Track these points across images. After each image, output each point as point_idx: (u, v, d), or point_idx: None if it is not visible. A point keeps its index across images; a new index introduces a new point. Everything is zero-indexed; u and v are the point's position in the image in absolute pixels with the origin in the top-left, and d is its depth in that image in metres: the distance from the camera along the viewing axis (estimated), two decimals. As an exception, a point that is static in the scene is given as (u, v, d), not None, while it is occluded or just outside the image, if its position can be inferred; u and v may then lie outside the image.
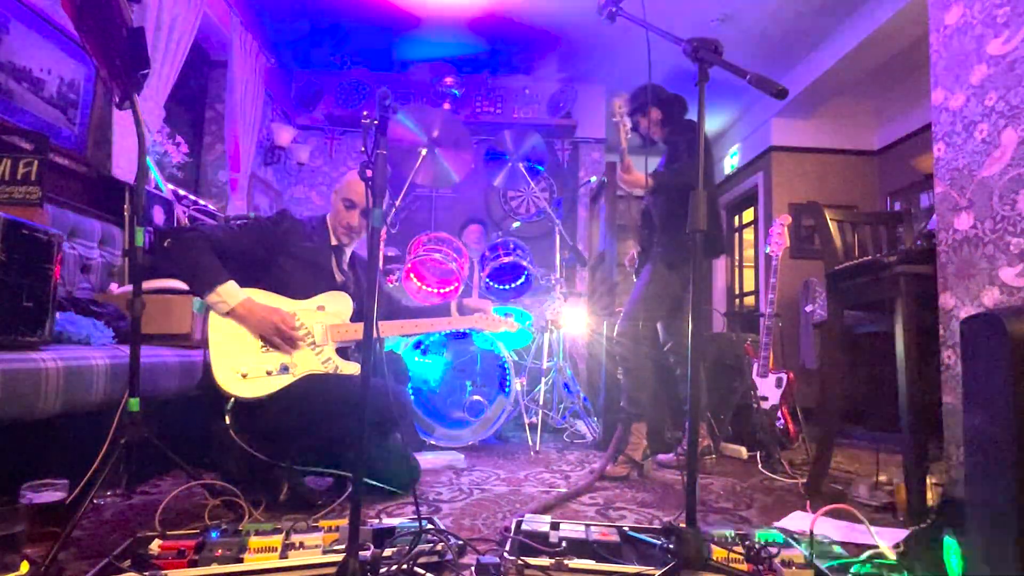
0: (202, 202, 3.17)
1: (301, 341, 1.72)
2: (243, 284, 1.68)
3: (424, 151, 2.82)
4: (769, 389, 2.87)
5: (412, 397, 2.82)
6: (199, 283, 1.63)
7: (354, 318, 1.84)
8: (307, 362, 1.72)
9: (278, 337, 1.66)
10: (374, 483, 1.82)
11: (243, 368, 1.62)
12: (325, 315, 1.80)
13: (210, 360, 1.59)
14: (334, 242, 1.93)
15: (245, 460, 1.67)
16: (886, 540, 1.39)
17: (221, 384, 1.57)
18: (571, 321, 3.50)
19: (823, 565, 1.22)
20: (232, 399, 1.59)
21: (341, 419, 1.63)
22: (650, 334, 2.55)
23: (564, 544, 1.26)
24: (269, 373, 1.65)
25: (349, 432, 1.58)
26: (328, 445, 1.76)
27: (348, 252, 1.98)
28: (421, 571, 1.15)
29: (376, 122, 1.20)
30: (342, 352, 1.81)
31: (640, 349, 2.48)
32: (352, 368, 1.78)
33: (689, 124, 2.57)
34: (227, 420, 1.58)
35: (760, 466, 2.50)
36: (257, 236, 1.80)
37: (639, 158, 2.40)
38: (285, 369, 1.67)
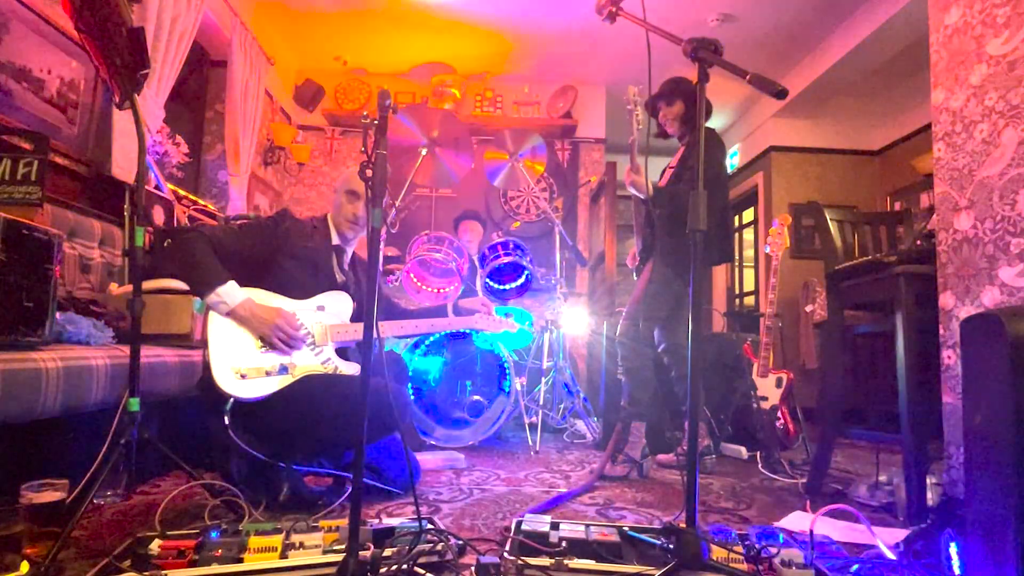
0: (202, 202, 3.17)
1: (302, 342, 1.72)
2: (243, 283, 1.68)
3: (424, 151, 2.82)
4: (769, 389, 2.87)
5: (412, 397, 2.82)
6: (199, 284, 1.63)
7: (354, 318, 1.84)
8: (306, 362, 1.72)
9: (279, 338, 1.66)
10: (374, 483, 1.82)
11: (242, 368, 1.62)
12: (325, 315, 1.79)
13: (209, 360, 1.59)
14: (335, 242, 1.93)
15: (245, 460, 1.67)
16: (886, 540, 1.39)
17: (220, 384, 1.57)
18: (571, 321, 3.50)
19: (823, 565, 1.22)
20: (231, 399, 1.59)
21: (341, 419, 1.63)
22: (650, 334, 2.54)
23: (564, 544, 1.25)
24: (268, 373, 1.64)
25: (349, 432, 1.59)
26: (328, 446, 1.76)
27: (349, 252, 1.98)
28: (421, 571, 1.15)
29: (376, 122, 1.20)
30: (341, 352, 1.81)
31: (641, 349, 2.47)
32: (352, 368, 1.78)
33: (709, 133, 2.46)
34: (226, 420, 1.58)
35: (760, 466, 2.50)
36: (258, 236, 1.80)
37: (637, 157, 2.39)
38: (284, 370, 1.67)
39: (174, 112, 3.10)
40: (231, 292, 1.63)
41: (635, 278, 2.65)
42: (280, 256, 1.79)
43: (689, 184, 2.35)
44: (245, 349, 1.64)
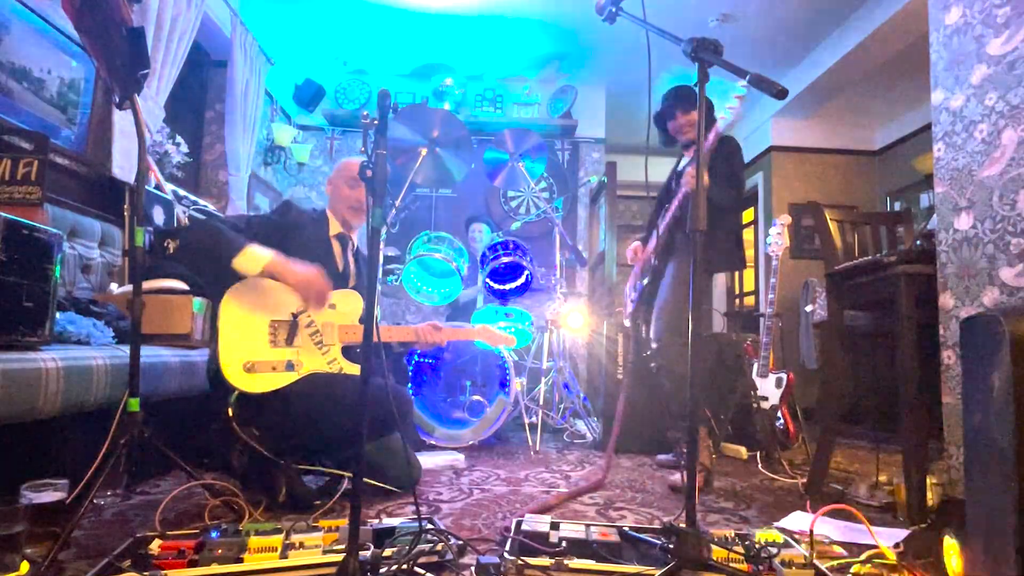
0: (202, 202, 3.17)
1: (327, 305, 1.75)
2: None
3: (424, 151, 2.82)
4: (769, 389, 2.87)
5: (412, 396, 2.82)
6: (226, 250, 1.62)
7: (363, 318, 1.85)
8: (313, 361, 1.73)
9: (312, 292, 1.69)
10: (374, 482, 1.82)
11: (250, 362, 1.62)
12: (336, 314, 1.80)
13: (218, 351, 1.60)
14: (336, 231, 1.97)
15: (246, 455, 1.67)
16: (886, 540, 1.39)
17: (227, 376, 1.58)
18: (571, 321, 3.50)
19: (823, 565, 1.22)
20: (236, 392, 1.60)
21: (343, 419, 1.63)
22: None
23: (564, 544, 1.25)
24: (275, 369, 1.65)
25: (350, 432, 1.59)
26: (329, 444, 1.76)
27: (354, 239, 2.01)
28: (421, 571, 1.15)
29: (376, 122, 1.20)
30: (347, 352, 1.81)
31: (685, 353, 2.30)
32: (356, 369, 1.78)
33: (727, 140, 2.32)
34: (230, 412, 1.58)
35: (760, 466, 2.50)
36: (266, 227, 1.81)
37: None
38: (291, 366, 1.68)
39: (174, 112, 3.10)
40: (257, 251, 1.64)
41: (644, 281, 2.51)
42: (289, 248, 1.78)
43: (720, 186, 2.20)
44: (254, 342, 1.65)
